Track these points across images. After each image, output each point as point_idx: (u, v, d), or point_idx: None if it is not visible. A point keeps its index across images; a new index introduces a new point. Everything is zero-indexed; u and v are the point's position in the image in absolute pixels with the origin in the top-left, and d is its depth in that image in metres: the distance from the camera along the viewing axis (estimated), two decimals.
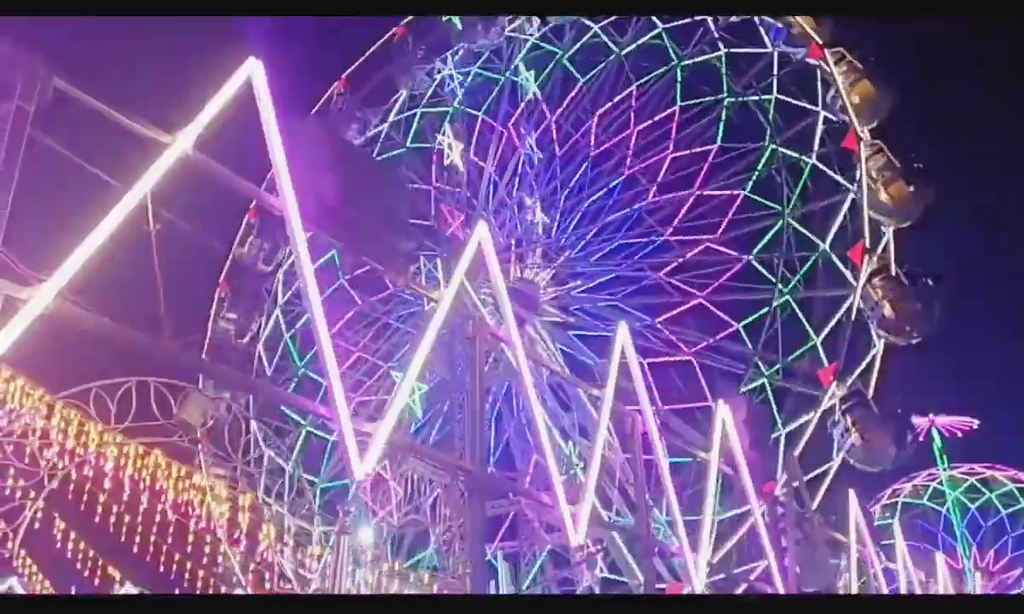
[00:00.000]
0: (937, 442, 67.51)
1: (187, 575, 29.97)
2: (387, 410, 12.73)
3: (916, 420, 64.71)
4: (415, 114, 42.75)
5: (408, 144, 42.70)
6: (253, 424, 36.10)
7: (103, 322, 10.13)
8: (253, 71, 11.41)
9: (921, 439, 66.10)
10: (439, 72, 41.61)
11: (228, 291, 38.48)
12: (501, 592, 30.97)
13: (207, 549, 29.59)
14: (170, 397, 29.68)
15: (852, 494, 24.64)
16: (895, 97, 33.85)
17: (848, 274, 32.79)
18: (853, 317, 31.76)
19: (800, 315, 34.35)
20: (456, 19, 40.33)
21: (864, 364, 31.75)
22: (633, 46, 40.26)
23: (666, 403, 33.76)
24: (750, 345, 34.92)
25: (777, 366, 33.99)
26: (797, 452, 30.72)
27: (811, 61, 34.99)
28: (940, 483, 67.32)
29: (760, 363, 34.30)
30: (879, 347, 31.51)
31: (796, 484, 26.23)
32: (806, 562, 24.21)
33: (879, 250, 32.50)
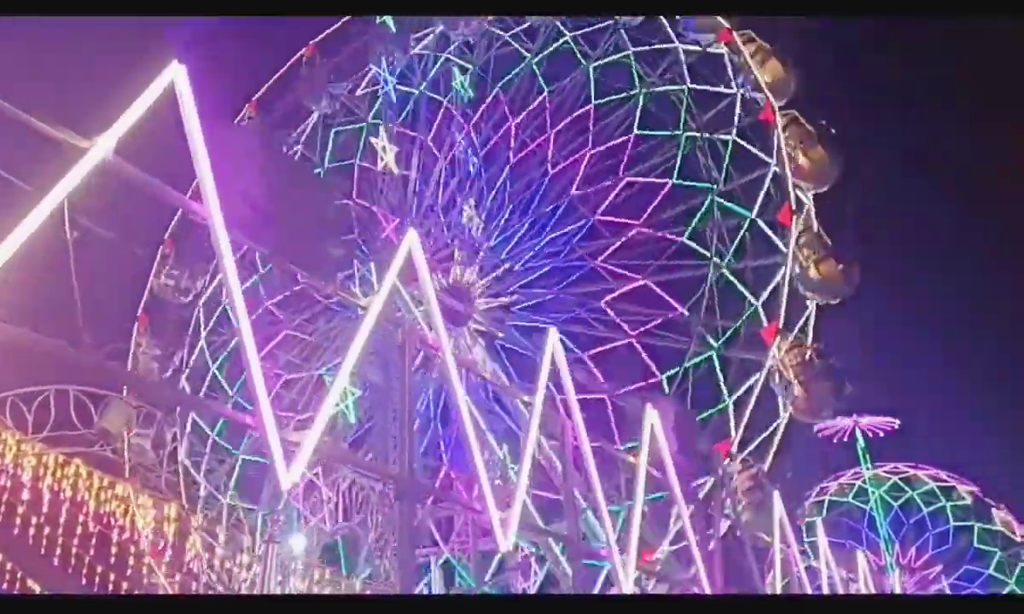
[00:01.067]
0: (861, 442, 69.63)
1: (111, 587, 29.14)
2: (316, 418, 12.64)
3: (840, 421, 66.88)
4: (330, 135, 42.85)
5: (327, 163, 42.64)
6: (182, 457, 35.37)
7: (21, 332, 9.86)
8: (176, 75, 11.24)
9: (845, 440, 68.34)
10: (364, 75, 41.71)
11: (147, 324, 37.69)
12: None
13: (131, 560, 28.84)
14: (91, 406, 28.90)
15: (776, 495, 25.28)
16: (801, 73, 35.41)
17: (778, 241, 34.13)
18: (787, 278, 33.13)
19: (737, 284, 35.54)
20: (389, 20, 40.47)
21: (800, 323, 33.16)
22: (543, 53, 41.15)
23: (614, 387, 34.57)
24: (692, 319, 35.87)
25: (727, 334, 35.01)
26: (746, 415, 31.83)
27: (719, 47, 36.28)
28: (864, 482, 69.40)
29: (704, 334, 35.27)
30: (812, 306, 33.03)
31: (724, 494, 26.87)
32: (732, 570, 24.80)
33: (803, 214, 34.06)
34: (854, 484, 69.31)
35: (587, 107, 40.48)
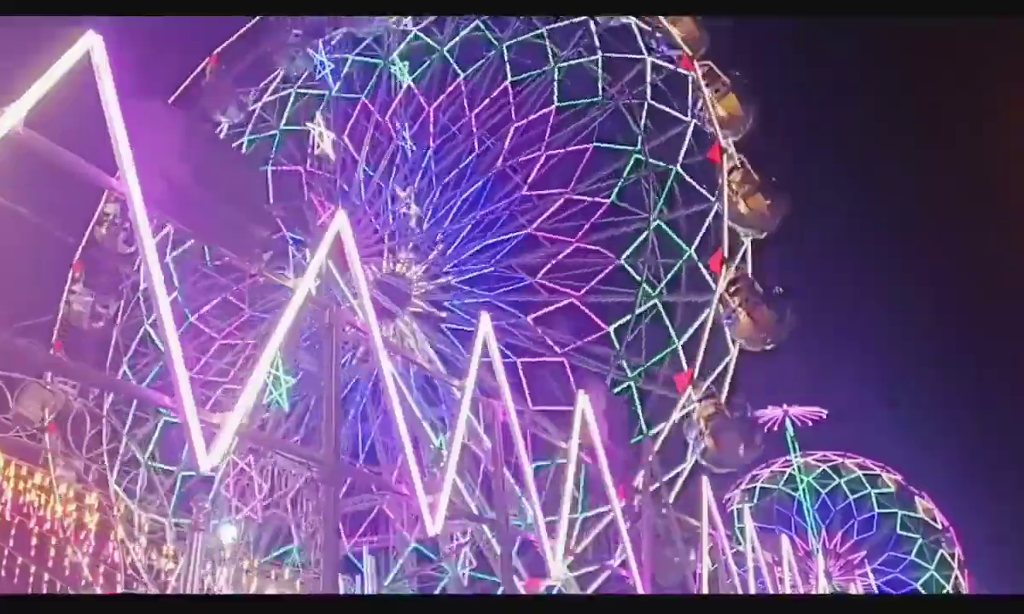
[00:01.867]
0: (790, 431, 71.39)
1: (31, 578, 28.31)
2: (239, 400, 12.43)
3: (771, 410, 68.49)
4: (289, 95, 41.80)
5: (281, 127, 41.70)
6: (104, 416, 34.36)
7: None
8: (92, 45, 10.89)
9: (776, 429, 70.00)
10: (331, 39, 40.79)
11: (82, 272, 36.46)
12: (366, 587, 30.72)
13: (52, 551, 28.04)
14: (6, 391, 27.93)
15: (705, 481, 25.73)
16: (757, 114, 35.71)
17: (710, 280, 34.36)
18: (711, 323, 33.33)
19: (665, 318, 35.72)
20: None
21: (720, 369, 33.42)
22: (513, 41, 40.75)
23: (538, 402, 34.49)
24: (617, 346, 36.03)
25: (640, 368, 35.21)
26: (655, 450, 32.00)
27: (682, 71, 36.40)
28: (796, 469, 71.21)
29: (625, 365, 35.43)
30: (733, 353, 33.24)
31: (655, 485, 27.22)
32: (661, 558, 25.17)
33: (737, 259, 34.26)
34: (785, 471, 71.02)
35: (548, 109, 40.32)
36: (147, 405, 33.96)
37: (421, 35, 41.89)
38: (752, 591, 26.58)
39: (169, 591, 28.41)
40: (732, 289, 33.29)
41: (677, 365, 34.08)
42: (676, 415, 31.92)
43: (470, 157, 40.98)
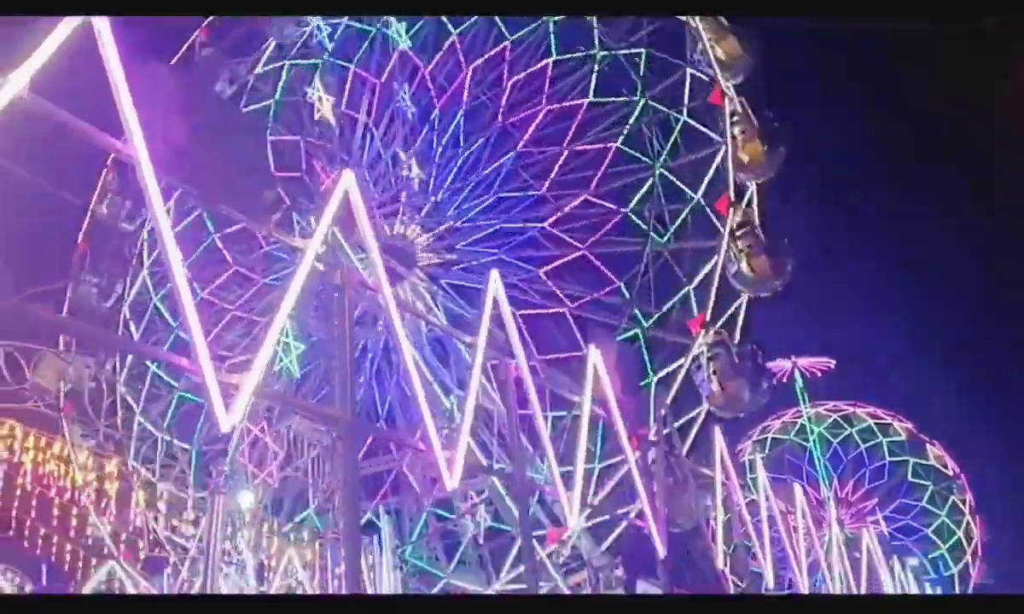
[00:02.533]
0: (799, 382, 71.61)
1: (54, 549, 28.73)
2: (255, 360, 12.49)
3: (779, 362, 68.68)
4: (283, 65, 41.41)
5: (277, 97, 41.40)
6: (120, 388, 34.58)
7: None
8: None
9: (785, 380, 70.19)
10: (307, 23, 40.25)
11: (88, 252, 36.47)
12: (384, 548, 31.06)
13: (74, 521, 28.39)
14: (22, 361, 28.07)
15: (717, 431, 25.83)
16: (757, 53, 35.26)
17: (718, 225, 34.35)
18: (720, 267, 33.34)
19: (674, 266, 35.70)
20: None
21: (729, 313, 33.50)
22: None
23: (546, 354, 34.62)
24: (628, 296, 36.09)
25: (652, 317, 35.27)
26: (669, 398, 32.18)
27: (682, 18, 35.91)
28: (808, 419, 71.58)
29: (637, 313, 35.52)
30: (743, 298, 33.38)
31: (667, 430, 27.34)
32: (676, 503, 25.37)
33: (743, 203, 34.18)
34: (796, 422, 71.38)
35: (545, 62, 39.96)
36: (164, 366, 34.08)
37: None
38: (766, 539, 26.80)
39: (192, 555, 28.82)
40: (738, 233, 33.40)
41: (688, 313, 34.22)
42: (689, 357, 32.05)
43: (461, 117, 40.74)
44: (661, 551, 21.39)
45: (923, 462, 69.79)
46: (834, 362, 72.43)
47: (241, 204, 13.34)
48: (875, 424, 71.61)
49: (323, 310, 28.67)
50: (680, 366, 33.15)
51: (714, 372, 31.59)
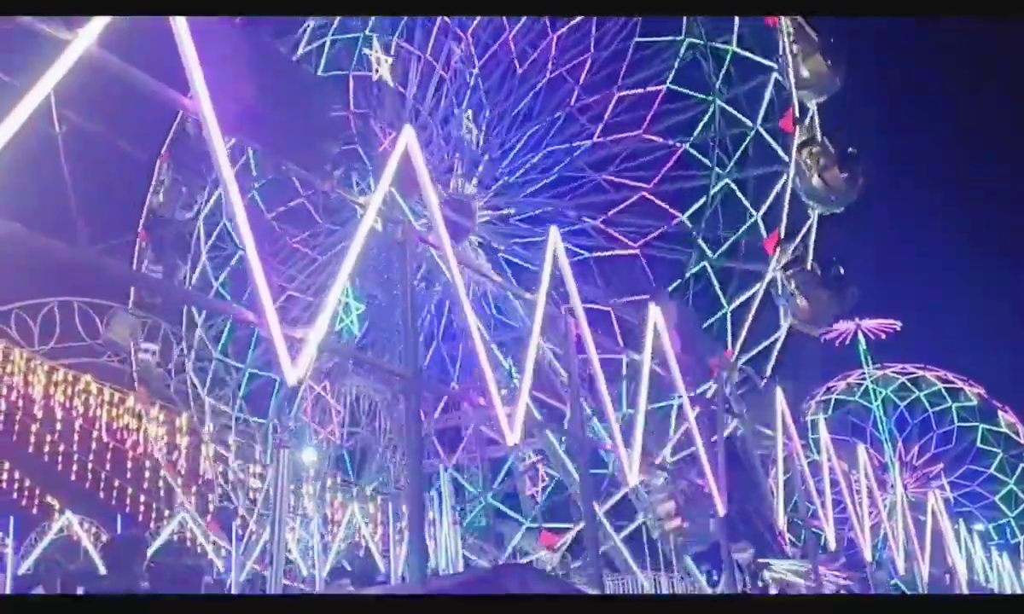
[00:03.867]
0: (862, 344, 70.11)
1: (128, 501, 29.83)
2: (318, 314, 12.61)
3: (842, 324, 67.23)
4: (324, 43, 41.70)
5: (320, 72, 41.67)
6: (190, 373, 35.40)
7: (14, 229, 9.74)
8: None
9: (848, 342, 68.78)
10: None
11: (148, 241, 37.34)
12: (444, 504, 31.53)
13: (147, 473, 29.39)
14: (95, 317, 28.94)
15: (779, 391, 25.43)
16: None
17: (780, 149, 33.83)
18: (789, 188, 32.93)
19: (739, 194, 35.37)
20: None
21: (802, 234, 33.13)
22: None
23: (616, 296, 34.61)
24: (694, 233, 35.81)
25: (721, 248, 35.04)
26: (746, 326, 32.12)
27: None
28: (873, 381, 70.16)
29: (703, 246, 35.29)
30: (813, 217, 32.93)
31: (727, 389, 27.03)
32: (736, 463, 25.14)
33: (806, 122, 33.65)
34: (862, 383, 70.06)
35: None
36: (233, 320, 34.79)
37: None
38: (828, 500, 26.44)
39: (258, 510, 29.60)
40: (803, 151, 32.97)
41: (757, 240, 33.91)
42: (768, 276, 31.80)
43: (515, 71, 40.48)
44: (721, 509, 21.25)
45: (994, 429, 67.91)
46: (899, 324, 70.68)
47: (305, 159, 13.39)
48: (944, 388, 69.85)
49: (383, 271, 28.98)
50: (755, 293, 33.00)
51: (797, 287, 31.33)
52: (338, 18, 41.33)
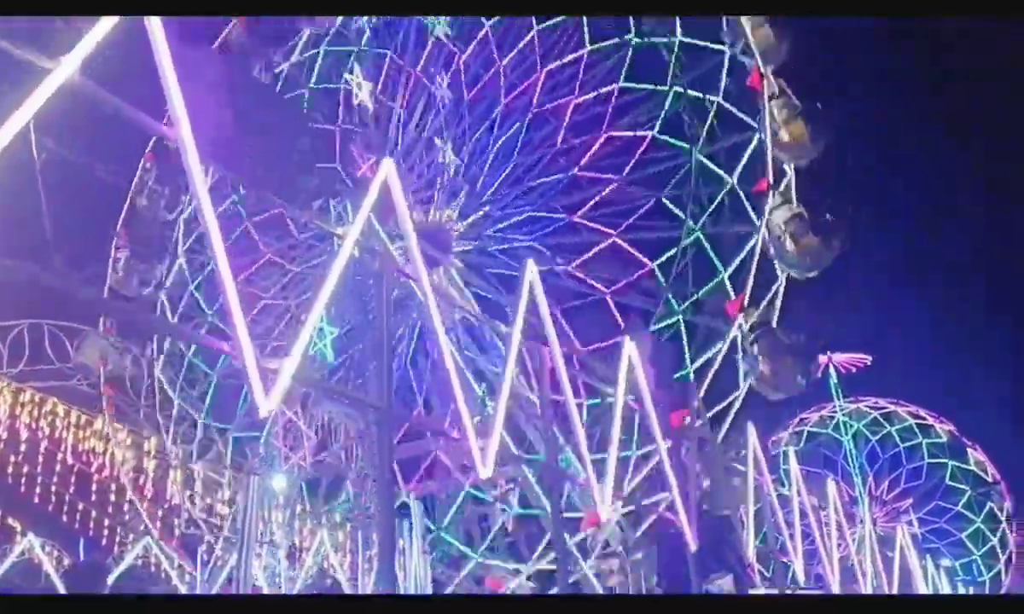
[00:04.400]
0: (833, 378, 70.73)
1: (92, 524, 29.33)
2: (294, 346, 12.60)
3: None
4: (318, 53, 41.70)
5: (312, 84, 41.70)
6: (158, 372, 35.11)
7: None
8: None
9: (819, 375, 69.34)
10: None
11: (127, 239, 37.05)
12: (414, 533, 31.34)
13: (112, 497, 28.93)
14: (66, 340, 28.63)
15: (751, 426, 25.63)
16: (794, 40, 34.86)
17: (751, 211, 34.05)
18: (758, 251, 33.09)
19: (709, 250, 35.57)
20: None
21: (769, 296, 33.25)
22: None
23: (584, 343, 34.63)
24: (663, 281, 35.98)
25: (689, 300, 35.16)
26: (706, 384, 32.08)
27: None
28: (845, 414, 70.67)
29: (672, 298, 35.43)
30: (782, 280, 33.05)
31: (700, 422, 27.17)
32: (712, 491, 25.23)
33: (782, 186, 33.87)
34: (834, 416, 70.60)
35: (579, 52, 39.84)
36: (200, 354, 34.55)
37: None
38: (797, 532, 26.62)
39: (225, 534, 29.26)
40: (778, 215, 33.10)
41: (724, 297, 34.02)
42: (728, 339, 31.86)
43: (503, 104, 40.75)
44: (692, 544, 21.34)
45: (963, 466, 68.62)
46: (870, 358, 71.46)
47: (283, 191, 13.44)
48: (915, 424, 70.45)
49: (358, 296, 28.92)
50: (718, 351, 33.03)
51: (761, 353, 31.33)
52: (332, 31, 41.26)
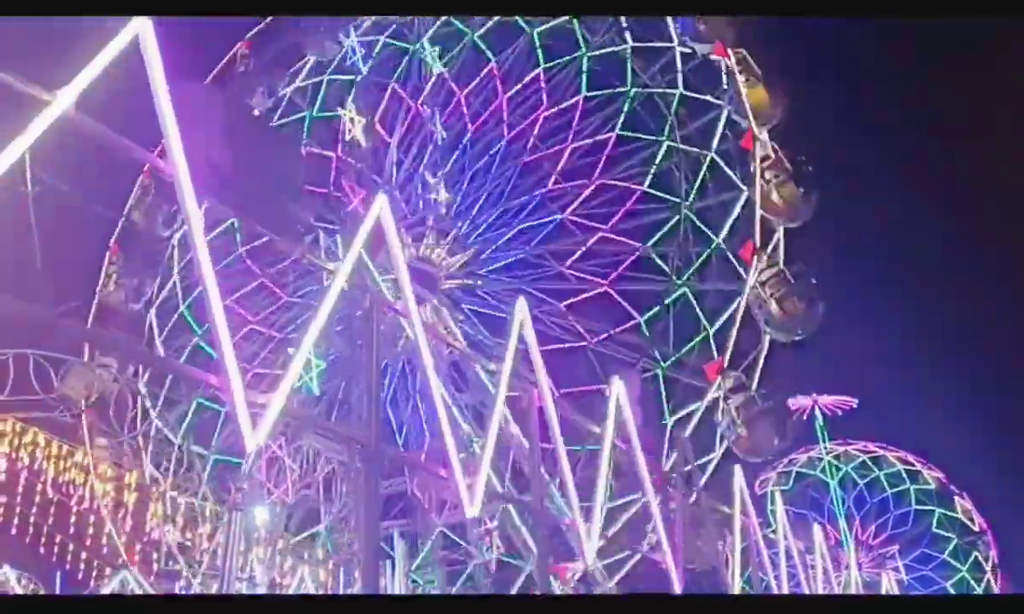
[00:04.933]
0: (819, 420, 70.82)
1: (69, 557, 28.83)
2: (281, 382, 12.54)
3: (800, 400, 67.94)
4: (321, 81, 41.98)
5: (313, 113, 41.91)
6: (140, 390, 34.72)
7: None
8: (141, 29, 10.99)
9: (804, 417, 69.44)
10: (347, 33, 40.83)
11: (119, 255, 36.90)
12: (397, 570, 30.97)
13: (91, 530, 28.49)
14: (50, 370, 28.35)
15: (738, 469, 25.63)
16: (786, 105, 35.29)
17: (740, 269, 34.16)
18: (741, 313, 33.16)
19: (695, 306, 35.59)
20: None
21: (750, 358, 33.26)
22: (544, 27, 40.56)
23: (564, 387, 34.56)
24: (648, 334, 36.01)
25: (670, 358, 35.15)
26: (685, 435, 31.95)
27: (714, 58, 36.03)
28: (834, 457, 70.62)
29: (655, 353, 35.44)
30: (764, 344, 33.06)
31: (688, 467, 27.14)
32: (692, 544, 25.12)
33: (769, 248, 34.00)
34: (822, 458, 70.56)
35: (576, 99, 40.21)
36: (190, 383, 34.28)
37: (453, 21, 41.85)
38: (783, 575, 26.51)
39: (203, 569, 28.83)
40: (763, 278, 33.11)
41: (708, 353, 33.99)
42: (705, 401, 31.86)
43: (500, 144, 41.00)
44: (677, 587, 21.19)
45: (950, 514, 68.53)
46: (856, 401, 71.59)
47: (275, 224, 13.46)
48: (905, 469, 70.33)
49: (346, 329, 28.79)
50: (696, 409, 33.01)
51: (738, 418, 31.36)
52: (336, 59, 41.53)
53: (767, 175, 33.57)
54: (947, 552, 67.61)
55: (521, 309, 17.68)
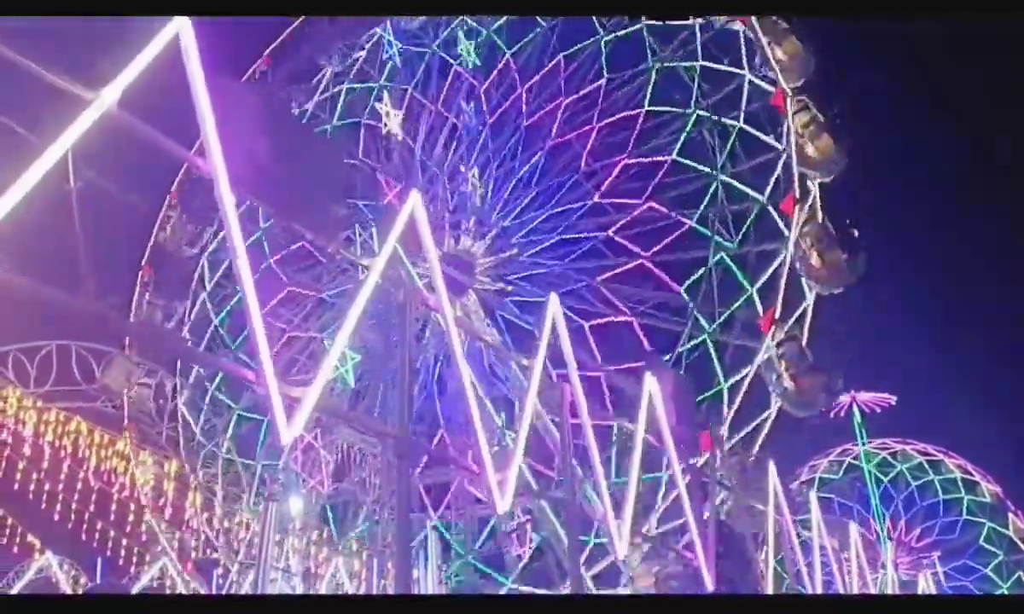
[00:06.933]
0: (857, 417, 69.89)
1: (110, 543, 29.47)
2: (317, 374, 12.71)
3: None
4: (341, 91, 42.52)
5: (335, 121, 42.37)
6: (182, 403, 35.36)
7: (21, 282, 9.90)
8: (181, 28, 11.17)
9: (843, 415, 68.57)
10: (372, 37, 41.27)
11: (151, 275, 37.55)
12: (429, 563, 31.20)
13: (131, 517, 29.11)
14: (92, 362, 28.98)
15: (772, 465, 25.40)
16: (817, 55, 34.89)
17: (781, 225, 33.95)
18: (788, 265, 32.98)
19: (736, 270, 35.42)
20: None
21: (797, 313, 33.06)
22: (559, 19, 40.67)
23: (609, 362, 34.52)
24: (689, 302, 35.85)
25: (718, 321, 35.00)
26: (736, 404, 31.94)
27: (735, 27, 35.75)
28: (855, 458, 69.74)
29: (699, 318, 35.28)
30: (810, 297, 32.85)
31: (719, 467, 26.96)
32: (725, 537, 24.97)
33: (808, 203, 33.79)
34: (843, 461, 69.75)
35: (598, 82, 40.17)
36: (224, 387, 34.81)
37: (467, 19, 42.15)
38: (818, 576, 26.26)
39: (240, 559, 29.31)
40: (806, 230, 32.94)
41: (753, 316, 33.85)
42: (759, 356, 31.64)
43: (520, 132, 41.13)
44: (709, 585, 21.09)
45: (1000, 529, 67.19)
46: (895, 399, 70.55)
47: (312, 221, 13.61)
48: (962, 478, 69.02)
49: (380, 322, 29.06)
50: (747, 373, 32.79)
51: (787, 369, 31.11)
52: (356, 67, 42.07)
53: (800, 129, 33.32)
54: (990, 567, 66.34)
55: (553, 304, 17.66)
